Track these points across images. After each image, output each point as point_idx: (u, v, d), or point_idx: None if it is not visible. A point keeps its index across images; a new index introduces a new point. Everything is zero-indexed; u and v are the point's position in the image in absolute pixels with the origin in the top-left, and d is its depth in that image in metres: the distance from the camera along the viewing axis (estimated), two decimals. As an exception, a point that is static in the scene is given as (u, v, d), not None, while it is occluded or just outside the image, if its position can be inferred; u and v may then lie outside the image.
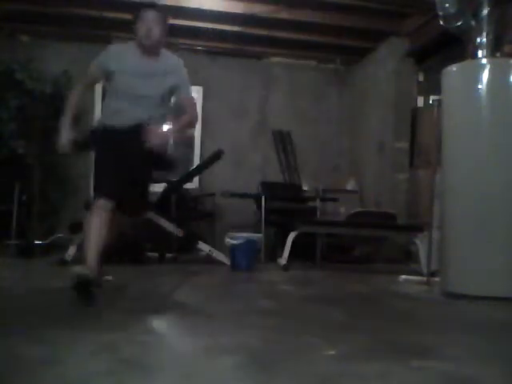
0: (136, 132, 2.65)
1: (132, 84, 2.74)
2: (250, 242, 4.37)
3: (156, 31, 2.74)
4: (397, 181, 5.68)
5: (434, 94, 3.60)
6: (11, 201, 4.92)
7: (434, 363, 1.59)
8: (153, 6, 2.84)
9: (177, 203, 4.84)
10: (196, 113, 2.99)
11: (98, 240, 2.53)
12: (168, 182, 5.01)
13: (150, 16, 2.75)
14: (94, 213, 2.56)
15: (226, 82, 6.49)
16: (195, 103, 3.05)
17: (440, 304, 3.01)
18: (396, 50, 5.75)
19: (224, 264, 4.39)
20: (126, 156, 2.64)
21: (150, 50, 2.79)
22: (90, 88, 3.04)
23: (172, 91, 2.85)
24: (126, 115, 2.74)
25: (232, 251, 4.35)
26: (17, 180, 5.00)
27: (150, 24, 2.73)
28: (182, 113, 2.89)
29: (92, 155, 2.86)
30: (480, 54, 3.22)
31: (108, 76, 2.82)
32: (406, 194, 5.66)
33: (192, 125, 3.10)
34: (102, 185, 2.65)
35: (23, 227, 4.96)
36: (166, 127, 2.80)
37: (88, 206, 4.43)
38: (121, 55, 2.82)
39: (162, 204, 4.72)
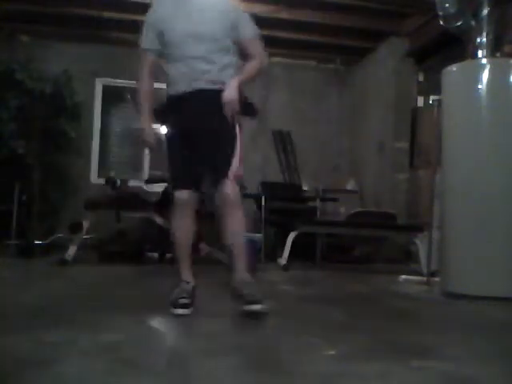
0: (211, 101, 2.31)
1: (186, 31, 2.36)
2: (250, 242, 4.36)
3: None
4: (397, 181, 5.68)
5: (434, 94, 3.60)
6: (11, 201, 4.92)
7: (434, 363, 1.59)
8: None
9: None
10: (264, 56, 2.47)
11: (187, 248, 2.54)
12: (168, 182, 5.00)
13: None
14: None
15: (226, 82, 6.48)
16: (261, 45, 2.48)
17: (440, 304, 3.01)
18: (396, 50, 5.75)
19: (224, 264, 4.38)
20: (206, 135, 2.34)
21: None
22: (154, 71, 2.48)
23: (233, 31, 2.40)
24: (191, 74, 2.34)
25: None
26: (17, 180, 5.00)
27: None
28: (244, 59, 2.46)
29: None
30: (480, 54, 3.22)
31: (162, 41, 2.41)
32: (406, 194, 5.66)
33: (261, 72, 2.51)
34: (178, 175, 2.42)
35: (23, 227, 4.96)
36: (233, 82, 2.32)
37: (88, 206, 4.46)
38: (160, 12, 2.44)
39: (162, 204, 4.72)
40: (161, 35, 2.42)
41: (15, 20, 5.63)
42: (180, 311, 2.28)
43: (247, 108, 2.56)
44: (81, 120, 5.64)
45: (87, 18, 5.42)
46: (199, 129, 2.36)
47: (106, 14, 5.24)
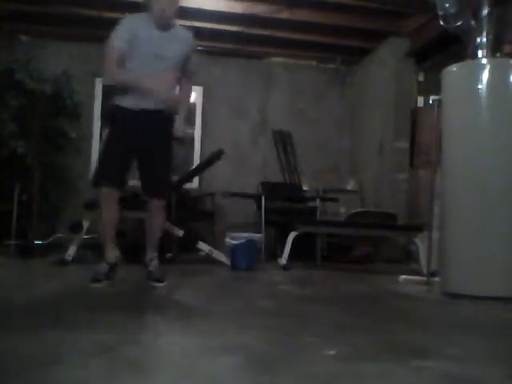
0: (160, 118, 2.97)
1: (147, 51, 2.90)
2: (249, 242, 4.37)
3: (169, 11, 2.90)
4: (397, 181, 5.68)
5: (434, 94, 3.59)
6: (11, 201, 4.92)
7: (434, 363, 1.59)
8: None
9: (177, 203, 4.84)
10: (191, 91, 3.28)
11: (113, 229, 2.97)
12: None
13: None
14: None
15: (226, 82, 6.49)
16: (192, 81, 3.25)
17: (440, 304, 3.01)
18: (396, 50, 5.75)
19: (224, 264, 4.39)
20: (152, 148, 2.98)
21: (163, 27, 2.96)
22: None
23: (183, 61, 3.03)
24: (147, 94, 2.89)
25: (232, 251, 4.35)
26: (17, 180, 5.00)
27: (164, 5, 2.87)
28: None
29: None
30: (480, 54, 3.22)
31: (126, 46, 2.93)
32: (406, 194, 5.66)
33: (188, 101, 3.33)
34: (108, 172, 2.91)
35: (23, 227, 4.95)
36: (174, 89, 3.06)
37: (88, 206, 4.46)
38: (135, 25, 2.94)
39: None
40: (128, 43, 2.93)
41: (15, 20, 5.63)
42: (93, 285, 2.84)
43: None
44: (81, 120, 5.64)
45: (87, 18, 5.42)
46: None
47: (106, 14, 5.23)
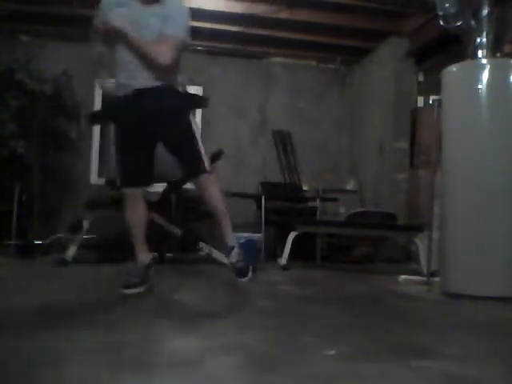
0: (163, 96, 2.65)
1: (134, 29, 2.64)
2: (249, 242, 4.37)
3: None
4: (397, 181, 5.68)
5: (434, 94, 3.60)
6: (11, 201, 4.92)
7: (434, 363, 1.59)
8: None
9: (177, 203, 4.84)
10: (168, 54, 2.61)
11: (141, 228, 2.81)
12: (168, 182, 5.00)
13: None
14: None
15: (226, 82, 6.49)
16: (175, 45, 2.65)
17: (440, 304, 3.01)
18: (396, 50, 5.75)
19: (224, 264, 4.38)
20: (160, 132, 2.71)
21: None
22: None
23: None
24: (139, 71, 2.63)
25: (232, 251, 4.34)
26: (17, 180, 5.00)
27: None
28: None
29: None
30: (480, 54, 3.22)
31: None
32: (406, 194, 5.66)
33: (157, 62, 2.63)
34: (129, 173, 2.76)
35: (23, 227, 4.95)
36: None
37: (88, 206, 4.46)
38: (120, 4, 2.73)
39: (162, 204, 4.72)
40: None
41: (15, 20, 5.63)
42: (127, 291, 2.61)
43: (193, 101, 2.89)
44: (81, 120, 5.64)
45: (87, 18, 5.40)
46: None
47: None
